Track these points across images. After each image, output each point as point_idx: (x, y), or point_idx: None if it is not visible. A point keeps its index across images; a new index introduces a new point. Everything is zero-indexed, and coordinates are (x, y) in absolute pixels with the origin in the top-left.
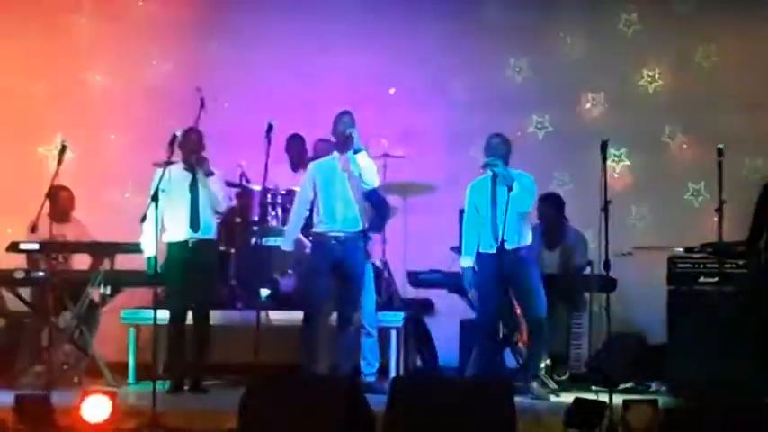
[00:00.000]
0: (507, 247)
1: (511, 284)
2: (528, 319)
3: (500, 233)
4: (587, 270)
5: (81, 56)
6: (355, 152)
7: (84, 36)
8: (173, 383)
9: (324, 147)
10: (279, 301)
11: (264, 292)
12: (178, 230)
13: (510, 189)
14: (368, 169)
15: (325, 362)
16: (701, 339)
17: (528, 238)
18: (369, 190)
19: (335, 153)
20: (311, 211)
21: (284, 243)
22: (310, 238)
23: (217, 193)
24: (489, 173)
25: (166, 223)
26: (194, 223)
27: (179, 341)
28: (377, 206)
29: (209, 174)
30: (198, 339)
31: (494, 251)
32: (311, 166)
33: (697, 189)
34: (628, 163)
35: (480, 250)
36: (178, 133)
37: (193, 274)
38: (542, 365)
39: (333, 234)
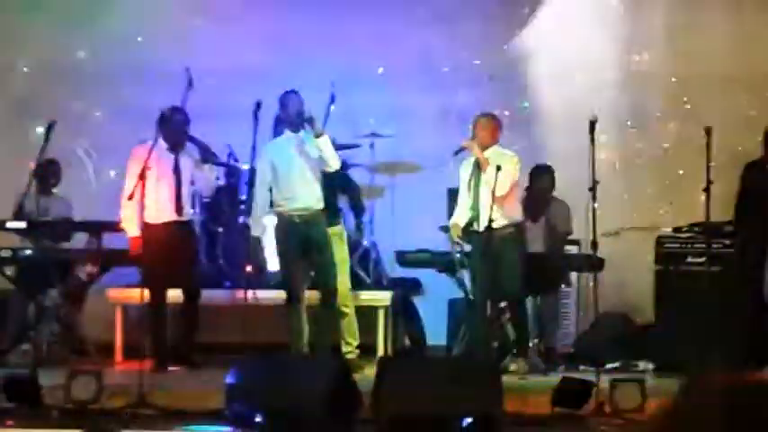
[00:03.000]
0: (488, 227)
1: (494, 264)
2: (505, 297)
3: (480, 213)
4: (574, 249)
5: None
6: (317, 136)
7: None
8: (155, 362)
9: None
10: (266, 280)
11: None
12: (160, 212)
13: (483, 171)
14: (330, 153)
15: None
16: (688, 319)
17: (513, 216)
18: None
19: (288, 132)
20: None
21: (254, 229)
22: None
23: (208, 179)
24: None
25: (147, 203)
26: (178, 206)
27: (159, 321)
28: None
29: (207, 160)
30: (186, 320)
31: (478, 230)
32: (266, 146)
33: (685, 169)
34: (616, 143)
35: (470, 229)
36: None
37: (176, 256)
38: (530, 345)
39: (296, 213)
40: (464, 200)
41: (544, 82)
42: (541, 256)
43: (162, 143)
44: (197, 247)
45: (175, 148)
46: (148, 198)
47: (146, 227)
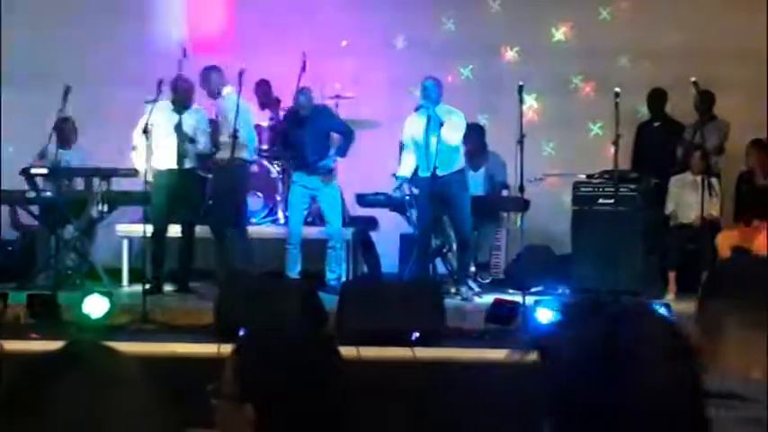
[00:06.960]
0: (439, 173)
1: (444, 205)
2: (457, 234)
3: (433, 162)
4: (506, 193)
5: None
6: None
7: None
8: (152, 286)
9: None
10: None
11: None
12: (165, 160)
13: (441, 126)
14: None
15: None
16: (598, 250)
17: (459, 164)
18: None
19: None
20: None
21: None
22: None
23: (203, 133)
24: (424, 111)
25: (156, 154)
26: (180, 156)
27: (159, 252)
28: (344, 135)
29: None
30: (184, 250)
31: (428, 176)
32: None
33: (597, 126)
34: (540, 104)
35: (419, 174)
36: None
37: (177, 197)
38: (469, 272)
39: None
40: (411, 152)
41: (479, 53)
42: (481, 199)
43: (167, 104)
44: (196, 191)
45: (180, 109)
46: (156, 149)
47: (155, 172)
